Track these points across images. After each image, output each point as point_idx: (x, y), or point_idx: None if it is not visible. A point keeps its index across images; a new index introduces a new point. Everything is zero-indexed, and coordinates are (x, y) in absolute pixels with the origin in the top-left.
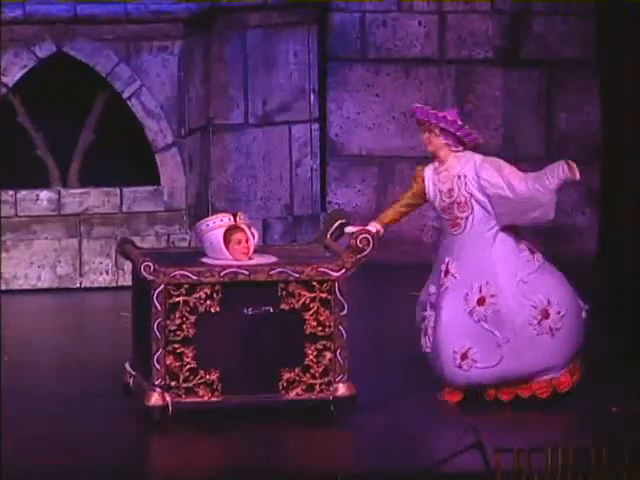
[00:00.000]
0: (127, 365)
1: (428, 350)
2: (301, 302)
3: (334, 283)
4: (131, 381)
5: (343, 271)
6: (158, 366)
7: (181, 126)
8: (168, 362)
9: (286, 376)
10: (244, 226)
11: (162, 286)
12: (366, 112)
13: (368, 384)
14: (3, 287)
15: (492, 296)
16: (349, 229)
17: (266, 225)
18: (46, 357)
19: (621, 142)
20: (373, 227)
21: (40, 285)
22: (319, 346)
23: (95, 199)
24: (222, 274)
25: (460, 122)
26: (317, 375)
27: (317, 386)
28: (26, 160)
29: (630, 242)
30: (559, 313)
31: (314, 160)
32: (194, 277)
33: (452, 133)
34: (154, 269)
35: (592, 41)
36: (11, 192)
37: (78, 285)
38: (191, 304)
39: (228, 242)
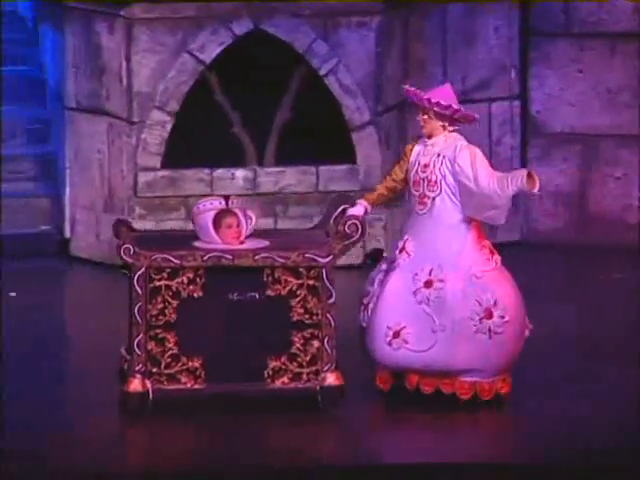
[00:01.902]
0: (122, 350)
1: (364, 325)
2: (288, 289)
3: (322, 270)
4: (126, 366)
5: (331, 257)
6: (139, 351)
7: (378, 103)
8: (149, 347)
9: (272, 364)
10: (237, 210)
11: (143, 269)
12: (569, 88)
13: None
14: None
15: (440, 281)
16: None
17: None
18: None
19: None
20: (361, 206)
21: None
22: (306, 334)
23: (291, 178)
24: (205, 258)
25: (454, 103)
26: (304, 364)
27: (304, 375)
28: (222, 138)
29: None
30: (502, 317)
31: (514, 138)
32: (176, 261)
33: (447, 115)
34: (134, 252)
35: None
36: (207, 170)
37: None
38: (173, 288)
39: (219, 226)
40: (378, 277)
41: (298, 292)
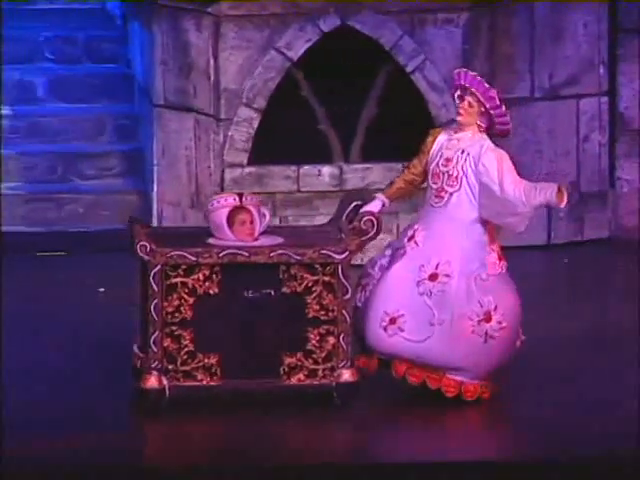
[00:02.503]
0: (135, 347)
1: (359, 305)
2: (303, 285)
3: (337, 266)
4: (138, 363)
5: (346, 254)
6: (155, 348)
7: None
8: (165, 344)
9: (287, 361)
10: (250, 207)
11: (159, 267)
12: None
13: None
14: None
15: (446, 276)
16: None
17: None
18: None
19: None
20: (379, 201)
21: None
22: (322, 331)
23: (377, 174)
24: (221, 255)
25: (502, 105)
26: (320, 360)
27: (320, 372)
28: (309, 135)
29: None
30: (500, 323)
31: (602, 135)
32: (192, 258)
33: (490, 116)
34: (150, 249)
35: None
36: (294, 167)
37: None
38: (190, 285)
39: (233, 223)
40: (381, 261)
41: (314, 289)
